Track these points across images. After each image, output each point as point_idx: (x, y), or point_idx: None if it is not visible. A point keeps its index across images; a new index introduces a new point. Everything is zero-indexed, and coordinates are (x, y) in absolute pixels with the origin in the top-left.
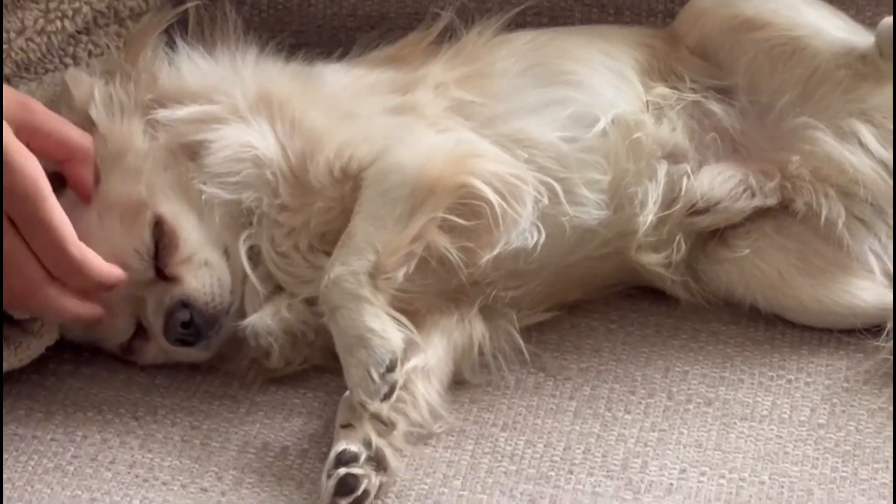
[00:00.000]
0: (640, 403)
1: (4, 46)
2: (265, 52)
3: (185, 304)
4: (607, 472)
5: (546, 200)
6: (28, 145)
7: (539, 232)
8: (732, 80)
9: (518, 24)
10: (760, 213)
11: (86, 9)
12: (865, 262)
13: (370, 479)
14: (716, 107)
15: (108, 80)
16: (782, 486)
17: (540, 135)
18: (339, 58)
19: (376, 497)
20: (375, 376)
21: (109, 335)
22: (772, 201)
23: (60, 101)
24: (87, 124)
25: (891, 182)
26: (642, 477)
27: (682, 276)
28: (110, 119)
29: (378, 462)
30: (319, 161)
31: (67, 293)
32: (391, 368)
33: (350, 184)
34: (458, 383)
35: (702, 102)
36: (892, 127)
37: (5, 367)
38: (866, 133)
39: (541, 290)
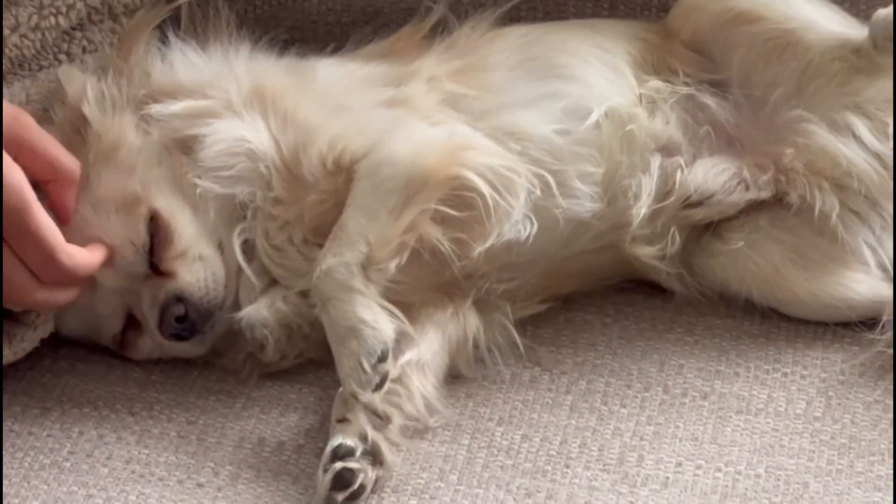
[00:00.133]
0: (636, 397)
1: None
2: (259, 48)
3: (179, 298)
4: (604, 465)
5: (539, 193)
6: (14, 160)
7: (532, 224)
8: (726, 74)
9: (512, 18)
10: (755, 206)
11: (80, 5)
12: (860, 255)
13: (366, 474)
14: (710, 100)
15: (101, 76)
16: (778, 479)
17: (533, 128)
18: (333, 53)
19: (372, 491)
20: (367, 367)
21: (101, 325)
22: (766, 194)
23: (54, 98)
24: (81, 121)
25: (885, 174)
26: (639, 470)
27: (676, 269)
28: (103, 115)
29: (374, 456)
30: (312, 154)
31: (56, 289)
32: (383, 359)
33: (343, 176)
34: (453, 378)
35: (695, 96)
36: (886, 119)
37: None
38: (860, 126)
39: (535, 282)
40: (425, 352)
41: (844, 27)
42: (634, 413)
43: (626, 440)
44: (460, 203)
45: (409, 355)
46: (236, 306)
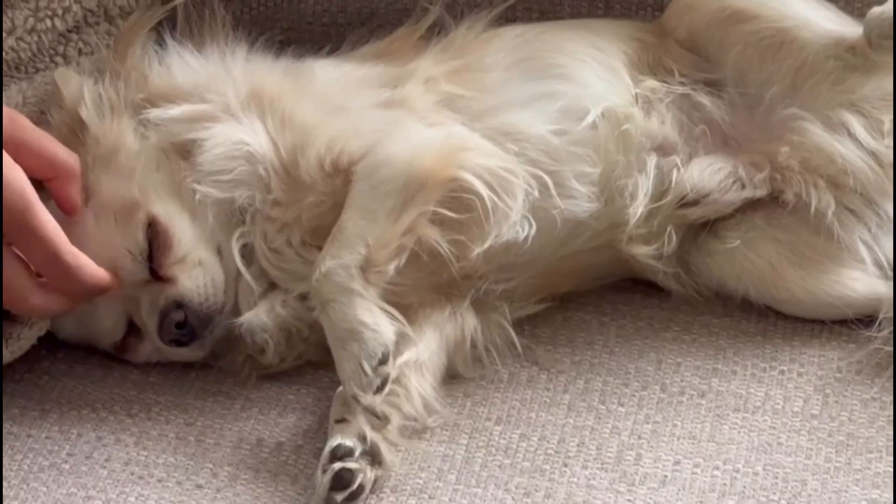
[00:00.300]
0: (634, 396)
1: None
2: (255, 49)
3: (179, 304)
4: (602, 464)
5: (536, 193)
6: (14, 160)
7: (530, 225)
8: (721, 73)
9: (508, 18)
10: (751, 205)
11: (76, 7)
12: (856, 253)
13: (365, 474)
14: (705, 99)
15: (98, 78)
16: (776, 477)
17: (530, 128)
18: (329, 54)
19: (371, 491)
20: (368, 369)
21: (101, 334)
22: (761, 192)
23: (50, 101)
24: (78, 124)
25: (880, 172)
26: (637, 469)
27: (673, 268)
28: (101, 118)
29: (373, 456)
30: (310, 155)
31: (53, 295)
32: (383, 361)
33: (341, 178)
34: (451, 377)
35: (691, 95)
36: (881, 117)
37: None
38: (856, 123)
39: (532, 282)
40: (423, 352)
41: (839, 25)
42: (632, 412)
43: (624, 439)
44: (458, 205)
45: (407, 356)
46: (235, 311)
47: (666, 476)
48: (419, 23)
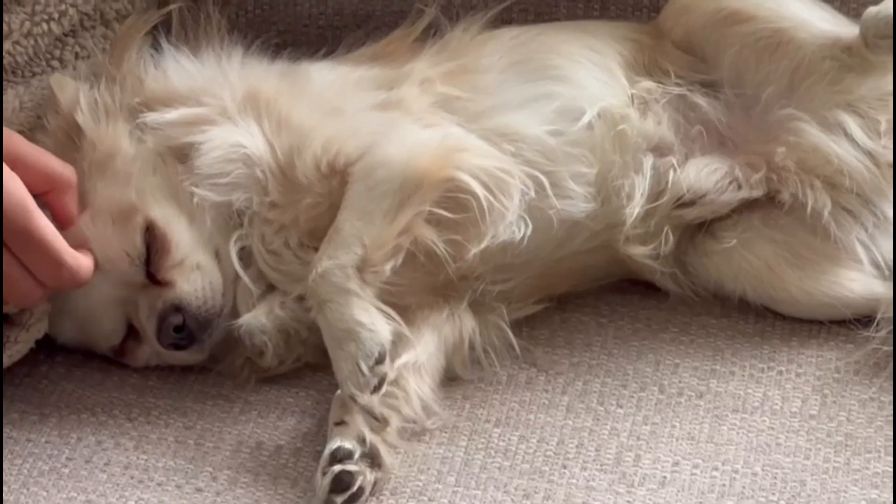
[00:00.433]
0: (632, 397)
1: None
2: (251, 52)
3: (177, 308)
4: (601, 466)
5: (533, 194)
6: None
7: (526, 225)
8: (718, 74)
9: (503, 19)
10: (747, 205)
11: (72, 11)
12: (853, 253)
13: (365, 476)
14: (701, 100)
15: (94, 83)
16: (775, 478)
17: (526, 129)
18: (325, 56)
19: (371, 494)
20: (365, 369)
21: (100, 339)
22: (758, 193)
23: (47, 106)
24: (74, 129)
25: (877, 172)
26: (636, 470)
27: (670, 269)
28: (97, 123)
29: (372, 459)
30: (307, 157)
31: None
32: (380, 361)
33: (337, 179)
34: (450, 380)
35: (687, 96)
36: (877, 117)
37: None
38: (852, 124)
39: (530, 283)
40: (421, 354)
41: (835, 26)
42: (631, 413)
43: (623, 440)
44: (455, 205)
45: (405, 357)
46: (234, 313)
47: (665, 477)
48: (415, 25)
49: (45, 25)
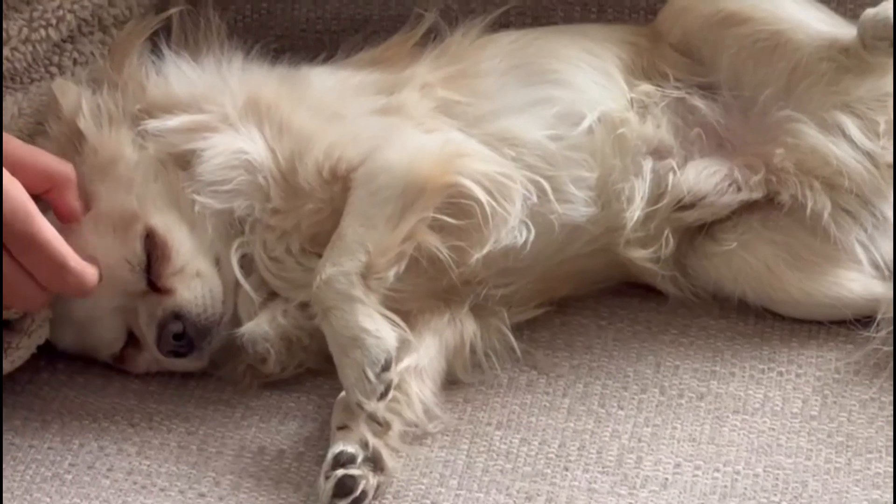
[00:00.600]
0: (633, 399)
1: None
2: (250, 57)
3: (177, 315)
4: (602, 468)
5: (534, 198)
6: None
7: (528, 230)
8: (716, 76)
9: (502, 24)
10: (747, 207)
11: (70, 17)
12: (853, 254)
13: (368, 480)
14: (700, 102)
15: (95, 89)
16: (777, 478)
17: (526, 133)
18: (324, 61)
19: (374, 498)
20: (371, 376)
21: (100, 346)
22: (757, 195)
23: (48, 112)
24: (76, 135)
25: (875, 173)
26: (637, 472)
27: (670, 271)
28: (98, 129)
29: (375, 463)
30: (308, 162)
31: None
32: (386, 367)
33: (339, 184)
34: (451, 383)
35: (686, 99)
36: (875, 118)
37: None
38: (850, 125)
39: (531, 287)
40: (423, 358)
41: (833, 27)
42: (632, 415)
43: (625, 442)
44: (457, 210)
45: (407, 361)
46: (235, 321)
47: (667, 479)
48: (414, 29)
49: (43, 31)
